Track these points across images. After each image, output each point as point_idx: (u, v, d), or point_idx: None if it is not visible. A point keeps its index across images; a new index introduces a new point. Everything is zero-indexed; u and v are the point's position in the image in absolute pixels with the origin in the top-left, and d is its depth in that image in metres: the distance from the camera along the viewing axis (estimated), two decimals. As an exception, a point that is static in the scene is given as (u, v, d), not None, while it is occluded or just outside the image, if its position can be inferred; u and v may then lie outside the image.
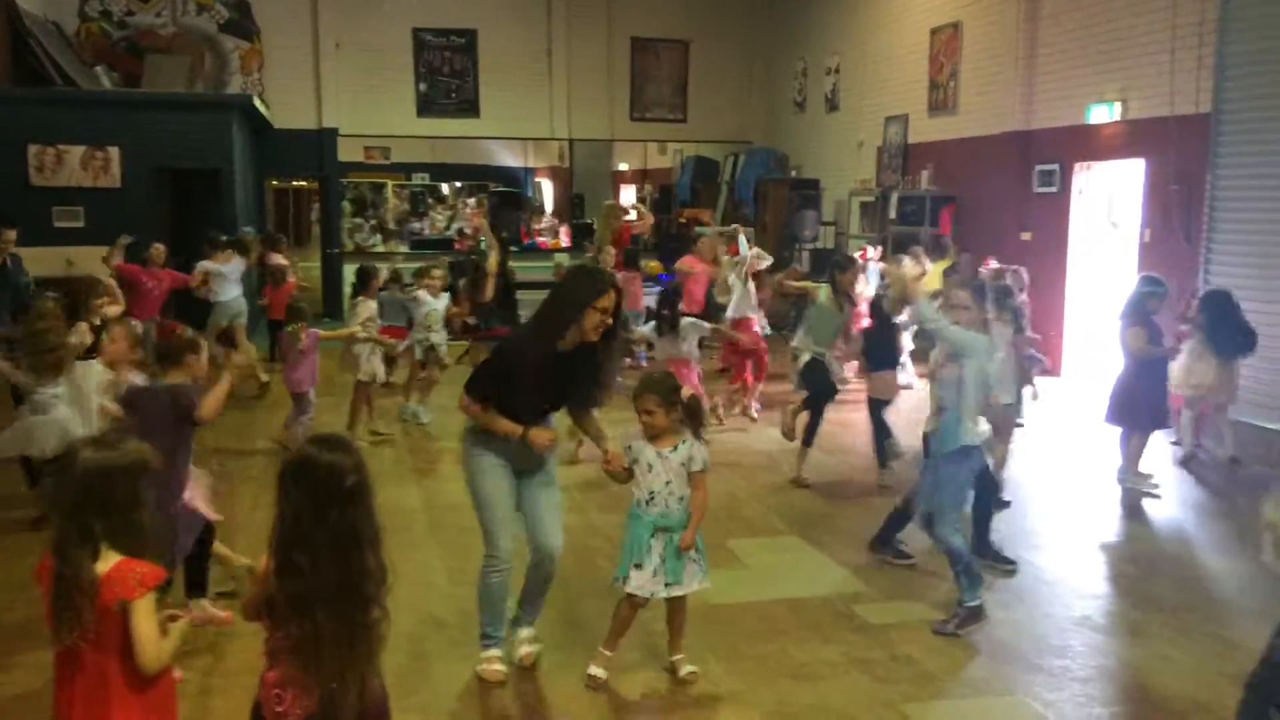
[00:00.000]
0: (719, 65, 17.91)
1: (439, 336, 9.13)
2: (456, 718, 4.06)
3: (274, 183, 28.23)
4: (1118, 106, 10.27)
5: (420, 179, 30.04)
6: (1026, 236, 11.72)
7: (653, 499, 4.16)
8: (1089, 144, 10.78)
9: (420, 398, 9.26)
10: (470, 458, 4.28)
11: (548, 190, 29.77)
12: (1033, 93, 11.57)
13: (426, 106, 16.89)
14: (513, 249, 17.27)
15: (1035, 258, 11.26)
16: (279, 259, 11.92)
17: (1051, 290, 11.05)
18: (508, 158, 29.45)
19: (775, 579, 5.49)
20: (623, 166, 26.36)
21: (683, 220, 18.14)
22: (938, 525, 4.88)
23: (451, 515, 6.63)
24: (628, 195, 25.96)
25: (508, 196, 18.64)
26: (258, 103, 14.36)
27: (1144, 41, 9.88)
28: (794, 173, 16.69)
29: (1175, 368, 7.84)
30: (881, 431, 7.16)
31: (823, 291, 7.72)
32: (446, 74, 16.88)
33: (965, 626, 4.77)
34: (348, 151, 24.59)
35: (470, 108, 17.06)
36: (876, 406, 7.11)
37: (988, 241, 11.96)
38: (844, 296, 7.46)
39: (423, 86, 16.84)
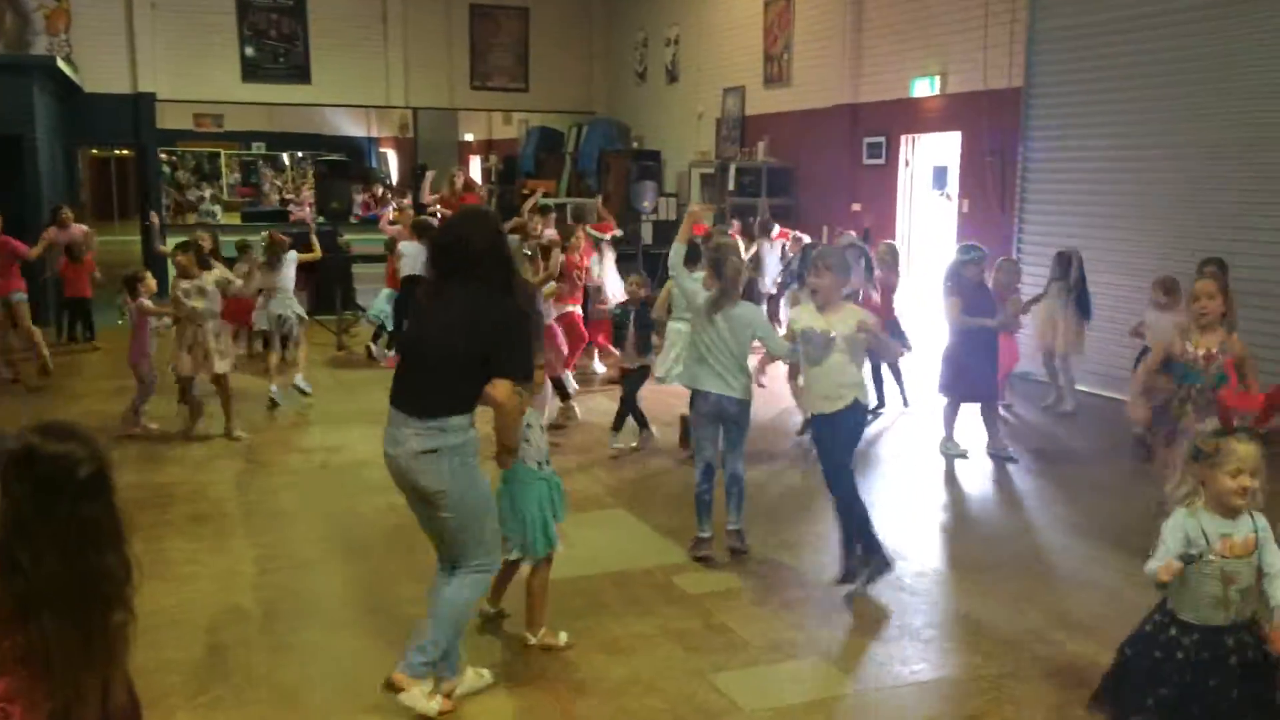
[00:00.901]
0: (560, 34, 17.70)
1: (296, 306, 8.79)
2: (252, 714, 3.86)
3: (95, 151, 26.59)
4: (938, 80, 10.60)
5: (257, 148, 28.81)
6: (857, 207, 12.02)
7: (550, 459, 4.37)
8: (913, 117, 11.11)
9: (281, 378, 8.77)
10: (469, 468, 3.71)
11: (392, 160, 28.97)
12: (860, 66, 11.83)
13: (252, 71, 16.12)
14: (352, 220, 16.79)
15: (863, 229, 11.58)
16: (68, 233, 11.10)
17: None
18: (351, 127, 28.46)
19: (600, 553, 5.44)
20: (468, 137, 25.83)
21: (526, 191, 17.87)
22: None
23: (268, 500, 6.38)
24: (475, 166, 25.51)
25: (337, 166, 17.97)
26: (64, 65, 13.41)
27: (961, 17, 10.22)
28: (636, 144, 16.68)
29: (1040, 326, 8.22)
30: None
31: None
32: (274, 38, 16.13)
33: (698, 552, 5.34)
34: (176, 118, 23.34)
35: (300, 73, 16.36)
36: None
37: (823, 212, 12.24)
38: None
39: (249, 50, 16.05)
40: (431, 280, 3.92)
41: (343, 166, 18.28)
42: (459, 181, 13.15)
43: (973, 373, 7.11)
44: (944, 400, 7.44)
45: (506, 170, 20.65)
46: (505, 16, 17.46)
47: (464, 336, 3.65)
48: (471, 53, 17.37)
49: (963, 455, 7.29)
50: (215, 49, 15.78)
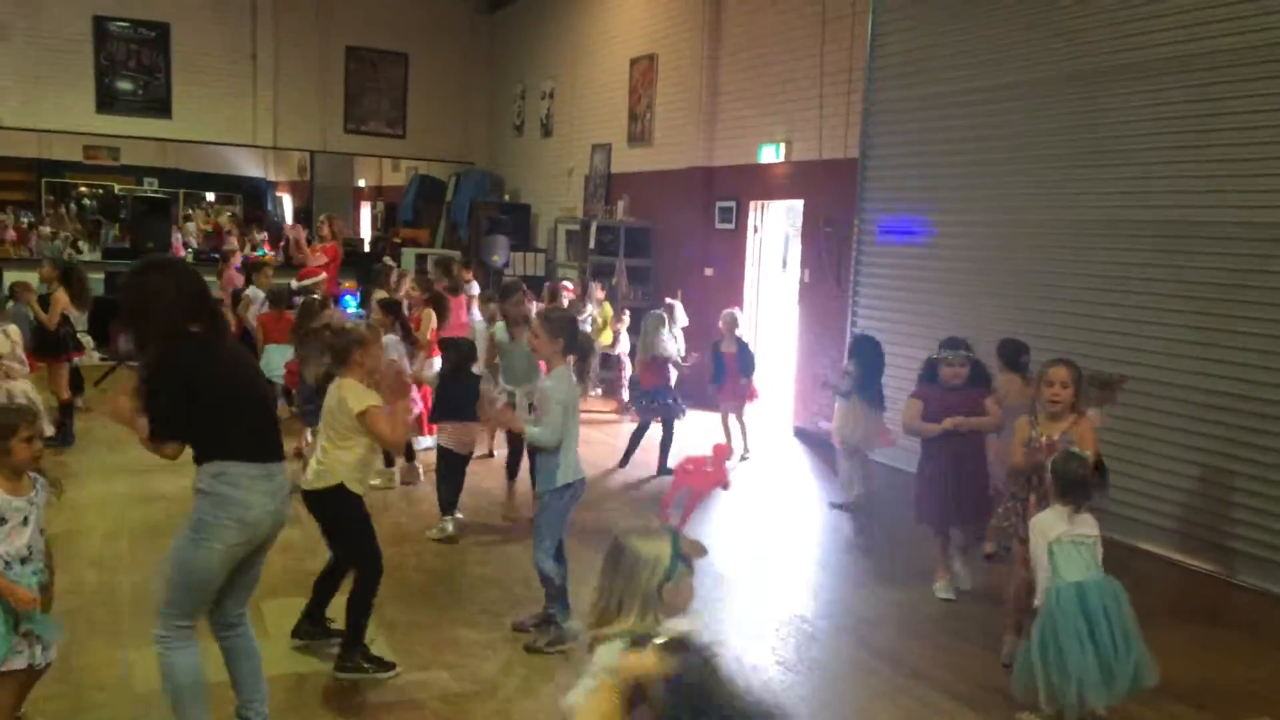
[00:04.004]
0: (440, 82, 17.31)
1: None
2: None
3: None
4: (783, 148, 10.35)
5: (149, 184, 27.86)
6: (709, 272, 11.68)
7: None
8: (761, 183, 10.83)
9: None
10: None
11: (288, 204, 28.23)
12: (715, 129, 11.57)
13: (108, 103, 15.41)
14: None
15: (716, 294, 11.22)
16: None
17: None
18: (251, 168, 27.77)
19: (290, 647, 4.84)
20: (361, 183, 25.27)
21: (398, 240, 17.40)
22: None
23: None
24: (365, 212, 24.92)
25: (155, 204, 17.38)
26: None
27: (803, 86, 10.00)
28: (506, 197, 16.28)
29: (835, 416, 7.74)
30: (449, 484, 6.65)
31: (498, 328, 7.50)
32: (133, 69, 15.47)
33: (555, 646, 4.88)
34: (68, 150, 22.49)
35: (160, 107, 15.71)
36: (444, 457, 6.65)
37: (679, 276, 11.88)
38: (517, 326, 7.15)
39: (106, 80, 15.36)
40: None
41: (161, 205, 17.61)
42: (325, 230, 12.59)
43: (944, 493, 5.65)
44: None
45: (387, 217, 20.13)
46: (383, 61, 17.04)
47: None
48: (346, 95, 16.88)
49: (951, 599, 5.82)
50: (69, 78, 15.08)
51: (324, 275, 9.85)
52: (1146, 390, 6.79)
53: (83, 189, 24.85)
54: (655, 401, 8.45)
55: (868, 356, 7.55)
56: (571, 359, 4.94)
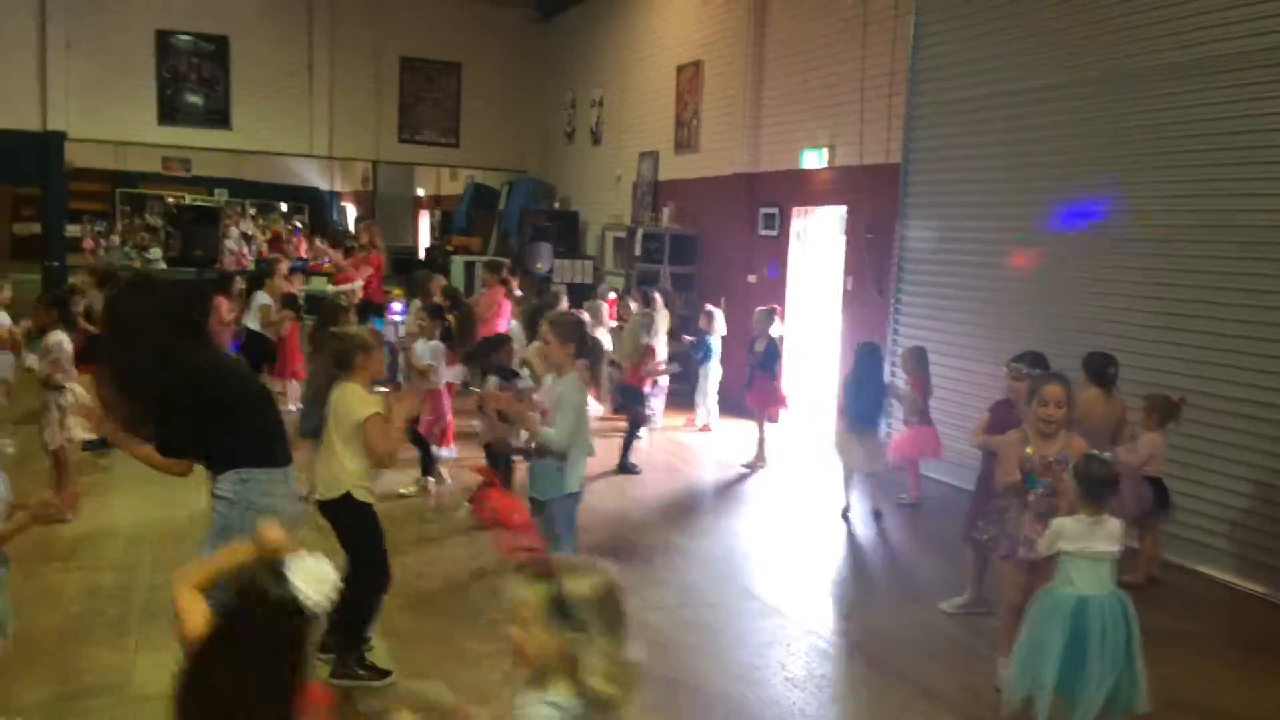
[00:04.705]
0: (493, 91, 17.41)
1: None
2: None
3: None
4: (826, 153, 10.15)
5: (220, 194, 28.54)
6: (753, 279, 11.51)
7: None
8: (804, 189, 10.65)
9: None
10: None
11: (351, 213, 28.72)
12: (759, 135, 11.42)
13: (170, 114, 15.76)
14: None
15: (759, 300, 11.04)
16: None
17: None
18: (316, 178, 28.42)
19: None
20: (420, 192, 25.59)
21: (450, 248, 17.52)
22: None
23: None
24: (424, 221, 25.25)
25: (202, 213, 17.76)
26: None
27: (845, 90, 9.81)
28: (558, 204, 16.29)
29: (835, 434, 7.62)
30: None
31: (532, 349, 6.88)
32: (194, 81, 15.81)
33: None
34: (143, 161, 23.19)
35: (220, 118, 16.02)
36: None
37: (723, 283, 11.75)
38: None
39: (168, 92, 15.72)
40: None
41: (208, 214, 17.99)
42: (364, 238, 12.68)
43: (981, 509, 5.32)
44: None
45: (443, 226, 20.33)
46: (437, 71, 17.19)
47: None
48: (400, 105, 17.06)
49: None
50: (132, 90, 15.46)
51: (359, 283, 9.89)
52: (1204, 405, 6.49)
53: (170, 200, 25.59)
54: (624, 398, 8.85)
55: (861, 368, 7.30)
56: (582, 364, 4.89)
